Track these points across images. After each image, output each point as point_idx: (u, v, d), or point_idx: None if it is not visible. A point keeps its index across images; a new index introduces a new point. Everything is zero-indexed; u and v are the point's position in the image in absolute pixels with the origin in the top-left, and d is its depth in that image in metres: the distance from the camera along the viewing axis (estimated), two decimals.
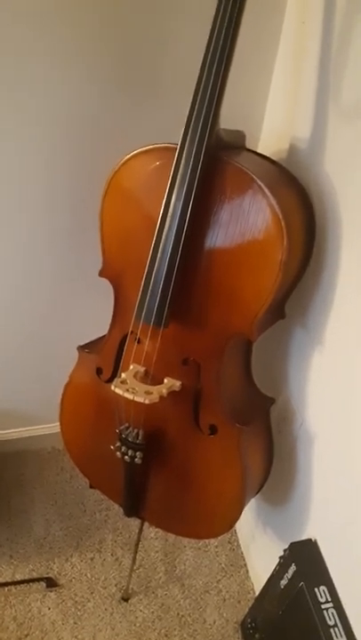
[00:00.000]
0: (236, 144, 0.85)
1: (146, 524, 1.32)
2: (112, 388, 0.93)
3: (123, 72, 1.01)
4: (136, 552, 1.37)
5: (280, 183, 0.89)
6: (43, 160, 1.11)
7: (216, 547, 1.55)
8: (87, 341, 1.14)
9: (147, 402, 0.91)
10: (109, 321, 1.06)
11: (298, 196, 0.90)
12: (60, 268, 1.31)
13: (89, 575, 1.46)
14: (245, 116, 1.09)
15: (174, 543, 1.55)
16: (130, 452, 1.01)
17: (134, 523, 1.43)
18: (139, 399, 0.91)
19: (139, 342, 0.97)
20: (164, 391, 0.93)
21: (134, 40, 0.98)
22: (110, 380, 1.06)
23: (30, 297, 1.36)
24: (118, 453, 1.02)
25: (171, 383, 0.95)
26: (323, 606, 1.00)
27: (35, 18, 0.91)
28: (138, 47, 0.99)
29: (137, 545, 1.35)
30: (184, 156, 0.75)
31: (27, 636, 1.36)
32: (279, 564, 1.16)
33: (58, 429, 1.62)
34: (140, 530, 1.31)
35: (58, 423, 1.59)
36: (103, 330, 1.08)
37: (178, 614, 1.42)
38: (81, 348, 1.12)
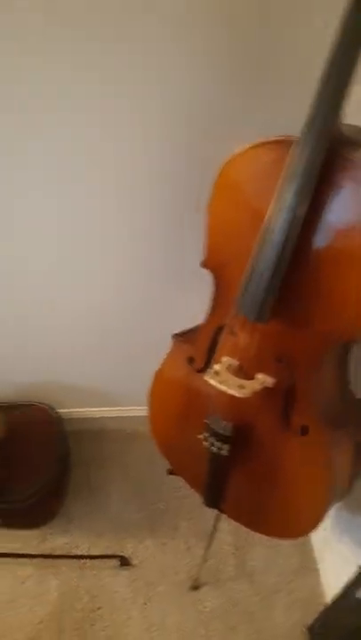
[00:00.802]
0: (357, 140, 0.82)
1: (221, 516, 1.32)
2: (206, 378, 0.93)
3: (237, 59, 1.00)
4: (210, 543, 1.38)
5: None
6: (148, 150, 1.12)
7: (289, 546, 1.53)
8: (181, 330, 1.15)
9: (240, 396, 0.91)
10: (204, 311, 1.06)
11: None
12: (161, 256, 1.33)
13: (161, 560, 1.49)
14: None
15: (246, 538, 1.54)
16: (217, 443, 1.01)
17: (208, 514, 1.43)
18: (232, 392, 0.91)
19: (234, 335, 0.97)
20: (257, 387, 0.93)
21: (249, 24, 0.96)
22: (202, 371, 1.06)
23: (130, 282, 1.38)
24: (205, 443, 1.03)
25: (264, 379, 0.94)
26: None
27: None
28: (253, 31, 0.97)
29: (212, 536, 1.36)
30: (303, 149, 0.73)
31: (99, 608, 1.40)
32: (357, 573, 1.13)
33: (140, 412, 1.65)
34: (216, 522, 1.31)
35: (140, 406, 1.63)
36: (197, 320, 1.09)
37: (246, 610, 1.42)
38: (176, 336, 1.13)
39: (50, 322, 1.46)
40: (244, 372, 0.97)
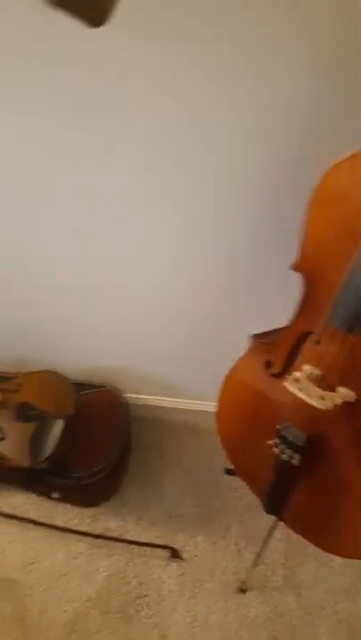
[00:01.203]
0: None
1: (278, 523, 1.30)
2: (286, 385, 0.91)
3: (340, 64, 0.97)
4: (263, 549, 1.36)
5: None
6: (249, 154, 1.11)
7: (342, 565, 1.49)
8: (260, 331, 1.13)
9: (319, 407, 0.88)
10: (287, 315, 1.04)
11: None
12: (245, 254, 1.31)
13: (210, 557, 1.48)
14: None
15: (298, 549, 1.51)
16: (288, 452, 0.99)
17: (261, 518, 1.42)
18: (312, 402, 0.88)
19: (320, 344, 0.94)
20: (338, 400, 0.90)
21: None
22: (278, 376, 1.04)
23: (212, 279, 1.38)
24: (275, 450, 1.01)
25: (346, 393, 0.91)
26: None
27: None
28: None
29: (265, 543, 1.34)
30: None
31: (145, 596, 1.42)
32: None
33: (205, 407, 1.66)
34: (273, 529, 1.29)
35: (206, 402, 1.63)
36: (276, 321, 1.07)
37: (290, 622, 1.39)
38: (255, 337, 1.12)
39: (128, 310, 1.47)
40: (325, 382, 0.94)
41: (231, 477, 1.36)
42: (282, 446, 1.00)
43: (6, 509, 1.55)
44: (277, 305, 1.04)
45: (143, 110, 1.06)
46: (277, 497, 1.12)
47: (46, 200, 1.26)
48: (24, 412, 1.44)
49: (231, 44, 0.96)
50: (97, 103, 1.07)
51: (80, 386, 1.59)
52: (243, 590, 1.43)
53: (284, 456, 1.00)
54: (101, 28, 0.53)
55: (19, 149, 1.17)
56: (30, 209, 1.30)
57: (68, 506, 1.57)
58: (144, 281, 1.41)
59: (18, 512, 1.55)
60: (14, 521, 1.53)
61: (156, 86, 1.02)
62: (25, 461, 1.39)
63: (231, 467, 1.26)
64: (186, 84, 1.02)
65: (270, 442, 1.02)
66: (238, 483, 1.57)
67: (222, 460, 1.25)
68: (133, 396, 1.67)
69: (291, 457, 0.99)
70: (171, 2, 0.92)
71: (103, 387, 1.61)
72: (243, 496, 1.59)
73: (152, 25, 0.96)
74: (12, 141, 1.16)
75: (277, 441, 1.01)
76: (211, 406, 1.63)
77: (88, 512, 1.55)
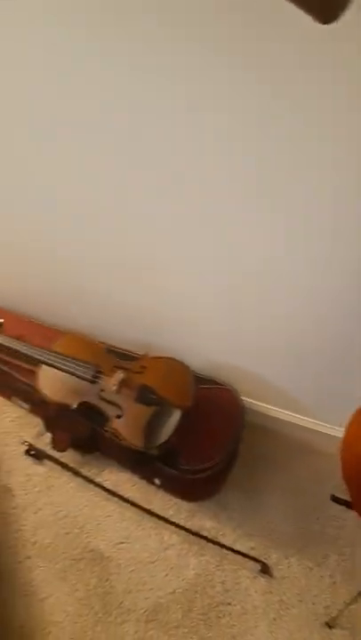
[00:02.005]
0: None
1: None
2: None
3: None
4: None
5: None
6: None
7: None
8: None
9: None
10: None
11: None
12: None
13: (302, 583, 1.43)
14: None
15: None
16: None
17: None
18: None
19: None
20: None
21: None
22: None
23: (352, 293, 1.31)
24: None
25: None
26: None
27: None
28: None
29: None
30: None
31: (228, 604, 1.39)
32: None
33: (324, 429, 1.59)
34: None
35: (328, 424, 1.56)
36: None
37: None
38: None
39: (261, 315, 1.44)
40: None
41: (337, 506, 1.29)
42: None
43: (108, 485, 1.58)
44: None
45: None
46: None
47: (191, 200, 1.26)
48: (144, 395, 1.46)
49: None
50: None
51: (200, 379, 1.58)
52: (330, 626, 1.36)
53: None
54: None
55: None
56: (168, 210, 1.32)
57: (167, 495, 1.57)
58: (283, 284, 1.36)
59: (118, 490, 1.57)
60: (113, 498, 1.56)
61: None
62: (137, 443, 1.41)
63: (342, 496, 1.20)
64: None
65: None
66: (344, 513, 1.51)
67: (331, 486, 1.20)
68: (251, 400, 1.64)
69: None
70: None
71: (223, 385, 1.59)
72: (345, 527, 1.51)
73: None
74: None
75: None
76: (331, 429, 1.57)
77: (186, 506, 1.55)
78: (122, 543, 1.49)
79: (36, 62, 1.20)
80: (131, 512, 1.54)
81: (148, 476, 1.57)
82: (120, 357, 1.59)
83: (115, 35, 1.07)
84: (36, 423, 1.73)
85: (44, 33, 1.14)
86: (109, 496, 1.57)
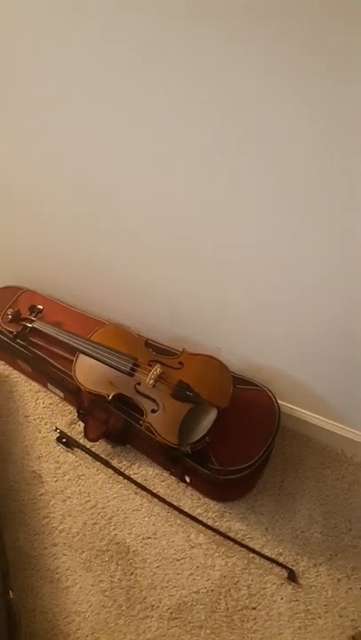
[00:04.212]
0: None
1: None
2: None
3: None
4: None
5: None
6: None
7: None
8: None
9: None
10: None
11: None
12: None
13: (330, 593, 1.40)
14: None
15: None
16: None
17: None
18: None
19: None
20: None
21: None
22: None
23: None
24: None
25: None
26: None
27: None
28: None
29: None
30: None
31: (253, 609, 1.37)
32: None
33: (356, 437, 1.55)
34: None
35: (358, 431, 1.52)
36: None
37: None
38: None
39: (302, 317, 1.41)
40: None
41: None
42: None
43: (137, 478, 1.58)
44: None
45: None
46: None
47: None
48: (181, 392, 1.44)
49: None
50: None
51: (237, 379, 1.56)
52: None
53: None
54: None
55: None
56: (218, 205, 1.29)
57: (196, 493, 1.56)
58: (325, 289, 1.33)
59: (148, 485, 1.57)
60: (142, 492, 1.55)
61: None
62: (171, 440, 1.40)
63: None
64: None
65: None
66: None
67: None
68: (285, 403, 1.61)
69: None
70: None
71: (260, 386, 1.56)
72: None
73: None
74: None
75: None
76: None
77: (215, 506, 1.53)
78: (148, 538, 1.49)
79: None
80: (159, 507, 1.54)
81: (178, 473, 1.55)
82: (158, 352, 1.57)
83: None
84: (70, 411, 1.73)
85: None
86: (138, 490, 1.56)
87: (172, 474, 1.58)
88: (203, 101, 1.11)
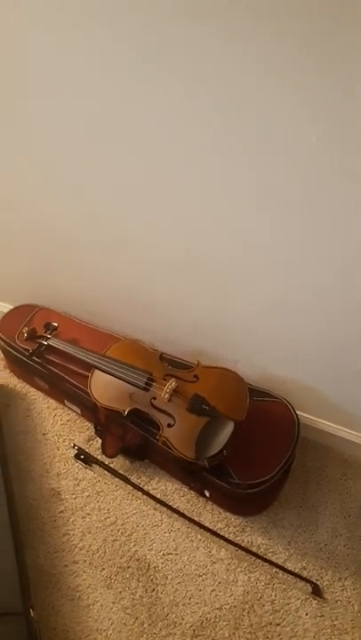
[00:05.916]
0: None
1: None
2: None
3: None
4: None
5: None
6: None
7: None
8: None
9: None
10: None
11: None
12: None
13: (356, 608, 1.36)
14: None
15: None
16: None
17: None
18: None
19: None
20: None
21: None
22: None
23: None
24: None
25: None
26: None
27: None
28: None
29: None
30: None
31: (278, 625, 1.34)
32: None
33: None
34: None
35: None
36: None
37: None
38: None
39: (319, 327, 1.39)
40: None
41: None
42: None
43: (157, 493, 1.57)
44: None
45: None
46: None
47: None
48: (197, 405, 1.43)
49: None
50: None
51: (255, 391, 1.54)
52: None
53: None
54: None
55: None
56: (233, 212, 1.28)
57: (216, 507, 1.54)
58: (346, 299, 1.31)
59: (167, 500, 1.55)
60: (162, 507, 1.54)
61: None
62: (188, 454, 1.38)
63: None
64: None
65: None
66: None
67: None
68: (307, 415, 1.59)
69: None
70: None
71: (278, 398, 1.54)
72: None
73: None
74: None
75: None
76: None
77: (236, 520, 1.51)
78: (169, 554, 1.47)
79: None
80: (179, 523, 1.52)
81: (197, 488, 1.54)
82: (173, 365, 1.57)
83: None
84: (88, 427, 1.73)
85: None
86: (158, 505, 1.55)
87: (191, 488, 1.57)
88: (203, 101, 1.11)
